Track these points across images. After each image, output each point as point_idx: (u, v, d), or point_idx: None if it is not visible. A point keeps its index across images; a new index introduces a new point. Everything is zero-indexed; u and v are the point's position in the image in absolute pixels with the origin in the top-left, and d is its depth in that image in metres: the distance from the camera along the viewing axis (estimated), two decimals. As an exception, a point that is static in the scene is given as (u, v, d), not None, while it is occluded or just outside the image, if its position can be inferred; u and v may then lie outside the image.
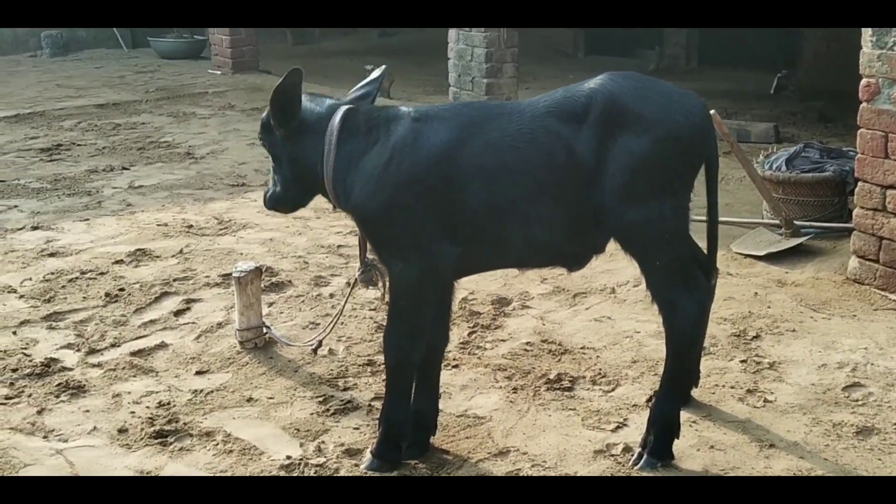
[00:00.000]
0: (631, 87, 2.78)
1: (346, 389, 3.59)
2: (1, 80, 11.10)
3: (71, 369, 3.78)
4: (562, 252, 2.95)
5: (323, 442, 3.21)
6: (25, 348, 3.96)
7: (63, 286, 4.62)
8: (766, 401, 3.42)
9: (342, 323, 4.19)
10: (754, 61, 10.59)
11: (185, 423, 3.34)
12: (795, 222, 5.04)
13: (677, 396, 3.08)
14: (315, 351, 3.66)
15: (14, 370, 3.74)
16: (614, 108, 2.74)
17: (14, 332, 4.12)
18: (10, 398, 3.54)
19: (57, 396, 3.56)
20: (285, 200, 3.13)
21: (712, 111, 4.91)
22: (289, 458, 3.11)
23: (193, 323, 4.22)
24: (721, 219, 5.40)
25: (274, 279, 4.66)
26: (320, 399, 3.50)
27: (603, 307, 4.31)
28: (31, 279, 4.72)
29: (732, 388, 3.52)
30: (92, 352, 3.94)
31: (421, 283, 2.89)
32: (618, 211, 2.79)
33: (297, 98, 2.90)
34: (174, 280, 4.68)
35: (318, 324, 4.18)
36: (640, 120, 2.72)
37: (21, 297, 4.52)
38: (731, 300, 4.32)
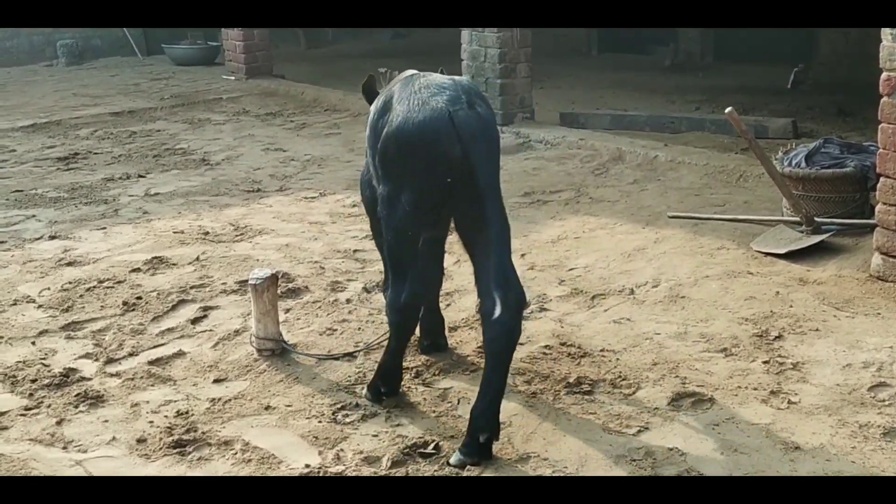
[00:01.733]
0: (407, 91, 3.25)
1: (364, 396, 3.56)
2: (17, 90, 11.17)
3: (89, 379, 3.78)
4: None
5: (342, 450, 3.19)
6: (44, 358, 3.97)
7: (81, 295, 4.63)
8: (790, 402, 3.37)
9: (359, 329, 4.17)
10: (770, 56, 10.48)
11: (203, 433, 3.33)
12: (816, 219, 4.97)
13: None
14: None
15: (33, 381, 3.75)
16: (388, 102, 3.33)
17: (33, 343, 4.13)
18: (30, 409, 3.55)
19: (76, 406, 3.56)
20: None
21: (729, 108, 4.91)
22: (307, 466, 3.10)
23: (210, 331, 4.22)
24: (740, 216, 5.40)
25: (290, 285, 4.65)
26: (338, 406, 3.49)
27: (622, 309, 4.27)
28: (49, 289, 4.74)
29: (755, 389, 3.48)
30: (110, 361, 3.94)
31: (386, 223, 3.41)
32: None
33: (373, 91, 3.69)
34: (191, 287, 4.68)
35: (336, 329, 4.16)
36: (390, 117, 3.25)
37: (39, 306, 4.53)
38: (753, 299, 4.26)
